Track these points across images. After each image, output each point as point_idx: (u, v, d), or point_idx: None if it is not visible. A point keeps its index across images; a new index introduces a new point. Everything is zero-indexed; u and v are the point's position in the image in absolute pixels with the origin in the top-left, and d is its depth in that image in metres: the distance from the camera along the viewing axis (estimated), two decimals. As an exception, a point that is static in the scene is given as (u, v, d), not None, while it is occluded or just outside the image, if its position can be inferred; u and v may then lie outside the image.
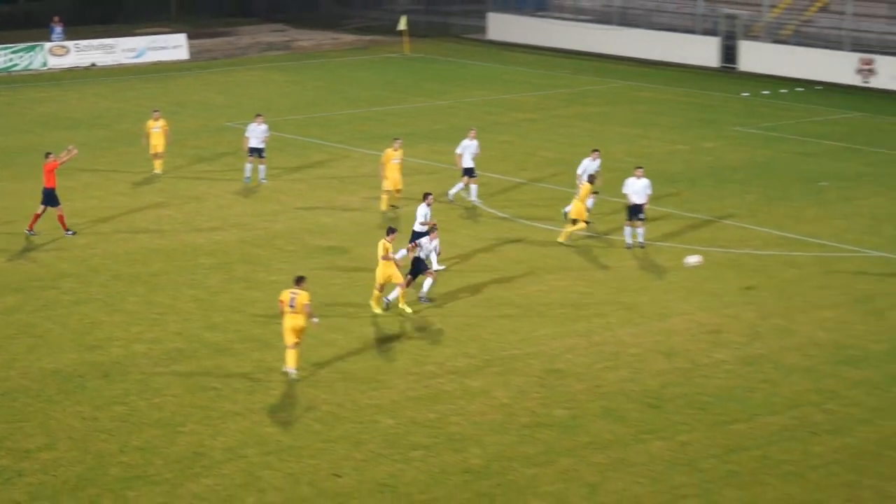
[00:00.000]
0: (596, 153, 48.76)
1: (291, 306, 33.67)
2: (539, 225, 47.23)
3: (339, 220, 48.18)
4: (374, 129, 63.26)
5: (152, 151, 53.80)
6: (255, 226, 47.23)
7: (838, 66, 77.65)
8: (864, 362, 35.21)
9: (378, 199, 49.27)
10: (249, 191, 51.62)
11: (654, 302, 39.65)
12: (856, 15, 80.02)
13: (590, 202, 46.20)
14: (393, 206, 48.98)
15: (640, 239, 44.74)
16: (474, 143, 50.06)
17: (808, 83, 76.70)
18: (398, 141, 49.60)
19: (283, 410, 32.15)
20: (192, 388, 33.16)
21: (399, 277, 38.06)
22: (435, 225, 40.78)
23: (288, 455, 29.75)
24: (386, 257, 37.69)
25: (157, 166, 53.87)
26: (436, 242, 40.16)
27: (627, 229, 44.94)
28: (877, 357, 35.57)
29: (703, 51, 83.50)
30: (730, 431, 31.08)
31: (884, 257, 43.95)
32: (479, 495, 28.08)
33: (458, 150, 50.08)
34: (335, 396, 32.86)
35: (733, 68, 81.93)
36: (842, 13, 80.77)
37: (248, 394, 32.91)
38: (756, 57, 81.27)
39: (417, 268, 39.37)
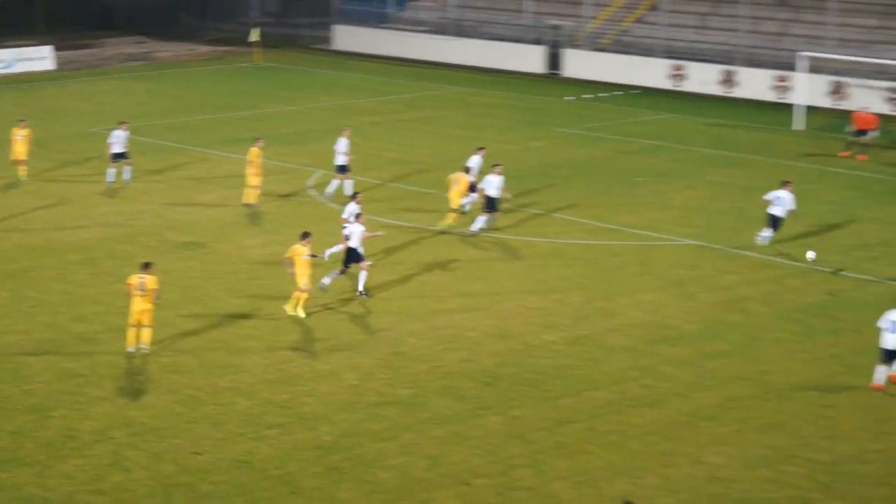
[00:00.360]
0: (481, 150, 49.16)
1: (140, 290, 33.66)
2: (384, 220, 47.20)
3: (197, 217, 47.84)
4: (230, 133, 62.82)
5: (14, 158, 52.89)
6: (119, 224, 46.73)
7: (652, 72, 78.44)
8: (679, 341, 35.68)
9: (244, 193, 49.00)
10: (113, 192, 51.03)
11: (489, 289, 39.86)
12: (668, 25, 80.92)
13: (473, 196, 46.44)
14: (249, 203, 48.78)
15: (481, 227, 45.11)
16: (345, 141, 50.26)
17: (625, 87, 77.37)
18: (260, 141, 49.66)
19: (148, 394, 31.92)
20: (61, 376, 32.80)
21: (306, 282, 37.07)
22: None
23: (152, 436, 29.55)
24: (288, 261, 36.85)
25: (21, 172, 52.91)
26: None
27: (482, 218, 45.28)
28: (690, 336, 36.07)
29: (530, 59, 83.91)
30: (558, 406, 31.36)
31: (694, 245, 44.53)
32: (330, 469, 28.09)
33: (336, 148, 50.16)
34: (195, 381, 32.70)
35: (558, 74, 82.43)
36: (655, 24, 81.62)
37: (113, 380, 32.65)
38: (578, 64, 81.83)
39: (351, 259, 39.15)
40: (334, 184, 50.35)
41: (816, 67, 69.83)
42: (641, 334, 36.18)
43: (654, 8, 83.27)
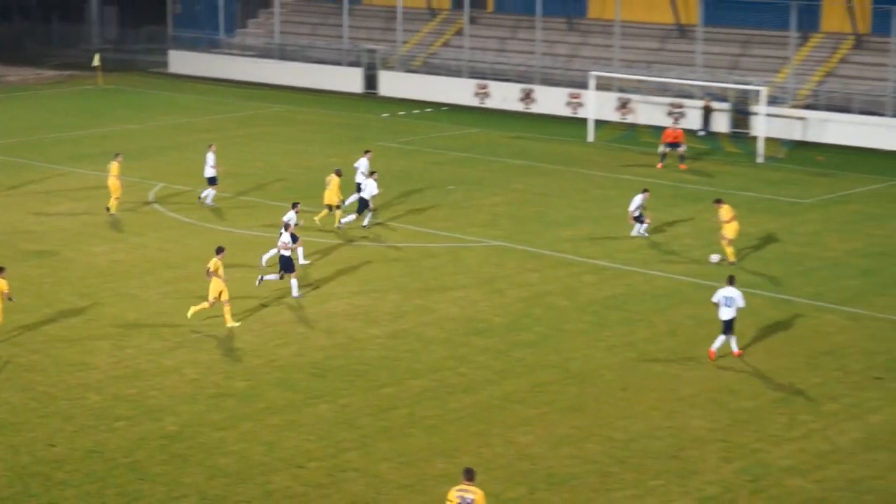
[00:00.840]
0: (369, 153, 50.10)
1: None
2: (219, 227, 46.67)
3: (48, 228, 46.80)
4: (77, 150, 61.61)
5: None
6: (-27, 235, 45.60)
7: (459, 91, 78.70)
8: (490, 332, 35.71)
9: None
10: (-32, 205, 49.74)
11: (317, 289, 39.52)
12: (472, 48, 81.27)
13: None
14: (108, 207, 48.35)
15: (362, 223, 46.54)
16: (212, 155, 50.18)
17: (436, 105, 77.49)
18: (119, 155, 49.43)
19: (4, 392, 31.07)
20: (-78, 377, 31.84)
21: (225, 294, 36.05)
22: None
23: (9, 430, 28.81)
24: (216, 274, 35.95)
25: None
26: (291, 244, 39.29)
27: (350, 217, 46.36)
28: (500, 328, 36.12)
29: (349, 79, 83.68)
30: (382, 394, 31.18)
31: (502, 246, 44.66)
32: (175, 456, 27.61)
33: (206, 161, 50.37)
34: (48, 378, 31.95)
35: (375, 94, 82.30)
36: (460, 47, 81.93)
37: (-28, 379, 31.78)
38: (393, 84, 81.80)
39: (286, 266, 38.64)
40: (207, 193, 50.36)
41: (605, 85, 70.67)
42: (456, 327, 36.14)
43: (459, 33, 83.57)
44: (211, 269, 36.12)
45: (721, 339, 33.63)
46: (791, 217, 49.17)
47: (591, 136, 65.94)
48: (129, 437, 28.61)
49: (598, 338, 35.29)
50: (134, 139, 65.35)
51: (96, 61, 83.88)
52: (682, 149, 58.83)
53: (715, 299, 33.83)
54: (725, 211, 42.76)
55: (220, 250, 36.66)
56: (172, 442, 28.34)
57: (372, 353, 33.98)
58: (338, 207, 46.86)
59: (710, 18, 73.64)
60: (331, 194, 46.53)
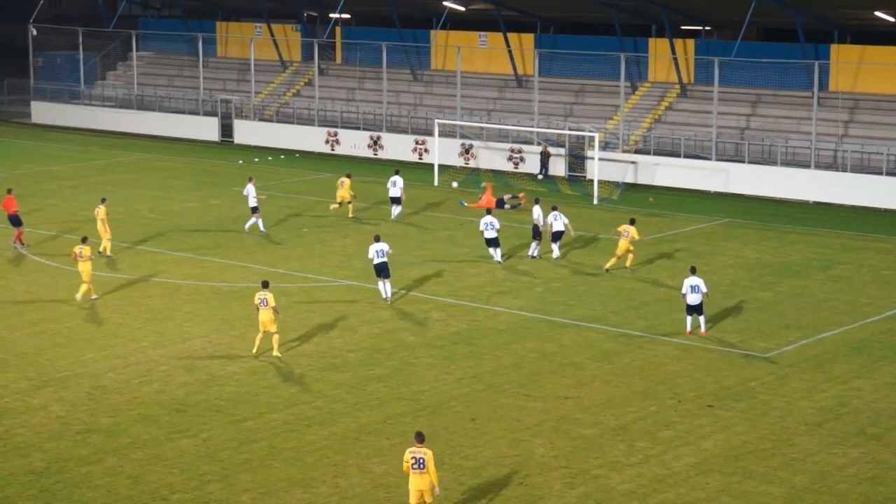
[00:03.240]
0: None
1: None
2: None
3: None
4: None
5: None
6: None
7: (311, 138, 78.56)
8: (344, 367, 35.54)
9: None
10: None
11: (178, 328, 39.02)
12: (322, 98, 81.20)
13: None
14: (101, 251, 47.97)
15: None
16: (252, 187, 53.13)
17: (289, 152, 77.26)
18: (105, 200, 49.41)
19: None
20: None
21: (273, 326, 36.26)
22: None
23: None
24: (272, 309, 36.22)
25: None
26: None
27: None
28: (353, 363, 35.96)
29: (205, 128, 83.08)
30: (242, 427, 30.82)
31: (353, 285, 44.52)
32: (42, 492, 26.98)
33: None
34: (-86, 419, 31.02)
35: (231, 141, 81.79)
36: (311, 97, 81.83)
37: None
38: (248, 132, 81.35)
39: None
40: (252, 221, 53.20)
41: (448, 132, 71.10)
42: (312, 363, 35.90)
43: (309, 83, 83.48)
44: (268, 302, 36.03)
45: (689, 319, 38.61)
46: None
47: (436, 181, 66.20)
48: (-5, 474, 27.92)
49: (446, 371, 35.31)
50: (-3, 186, 63.97)
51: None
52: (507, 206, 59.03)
53: (683, 290, 38.41)
54: (634, 232, 46.02)
55: (266, 284, 36.54)
56: (40, 477, 27.68)
57: (232, 389, 33.58)
58: (349, 203, 55.59)
59: (546, 69, 74.59)
60: (344, 193, 54.98)
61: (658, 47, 74.21)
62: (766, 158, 65.98)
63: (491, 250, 47.75)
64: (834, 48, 69.29)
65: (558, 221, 48.46)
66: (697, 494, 27.16)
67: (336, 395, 33.20)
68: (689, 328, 38.78)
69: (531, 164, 69.50)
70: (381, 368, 35.50)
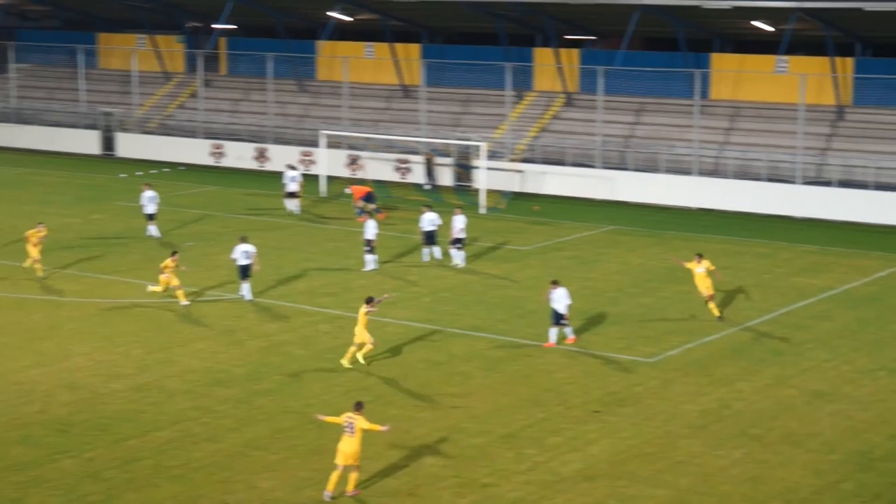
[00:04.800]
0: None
1: None
2: (-41, 289, 45.34)
3: None
4: None
5: None
6: None
7: (195, 150, 78.05)
8: (230, 382, 35.33)
9: None
10: None
11: (59, 346, 38.51)
12: (206, 110, 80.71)
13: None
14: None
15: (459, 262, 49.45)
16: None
17: (173, 165, 76.70)
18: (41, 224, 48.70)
19: None
20: None
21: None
22: None
23: None
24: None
25: None
26: None
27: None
28: (240, 378, 35.77)
29: (86, 141, 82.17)
30: (127, 446, 30.50)
31: (240, 299, 44.24)
32: (-81, 518, 26.54)
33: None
34: None
35: (113, 155, 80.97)
36: (195, 109, 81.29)
37: None
38: (130, 145, 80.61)
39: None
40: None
41: (335, 143, 71.06)
42: (198, 378, 35.65)
43: (194, 95, 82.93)
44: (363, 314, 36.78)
45: (554, 331, 38.61)
46: (511, 264, 50.15)
47: (323, 192, 66.10)
48: None
49: (334, 384, 35.26)
50: None
51: None
52: (362, 204, 59.13)
53: (549, 295, 38.57)
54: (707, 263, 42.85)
55: (370, 300, 36.86)
56: (-85, 504, 27.23)
57: (116, 407, 33.22)
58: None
59: (432, 79, 74.84)
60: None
61: (543, 57, 74.84)
62: (650, 166, 66.82)
63: (434, 248, 50.03)
64: (714, 57, 70.43)
65: (429, 223, 49.47)
66: (584, 500, 27.42)
67: (223, 411, 33.00)
68: (552, 340, 38.75)
69: (418, 174, 69.65)
70: (269, 382, 35.36)
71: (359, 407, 27.76)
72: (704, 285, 41.97)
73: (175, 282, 43.20)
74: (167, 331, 40.27)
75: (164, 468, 29.10)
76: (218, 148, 77.45)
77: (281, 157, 74.31)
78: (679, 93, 69.45)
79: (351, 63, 77.21)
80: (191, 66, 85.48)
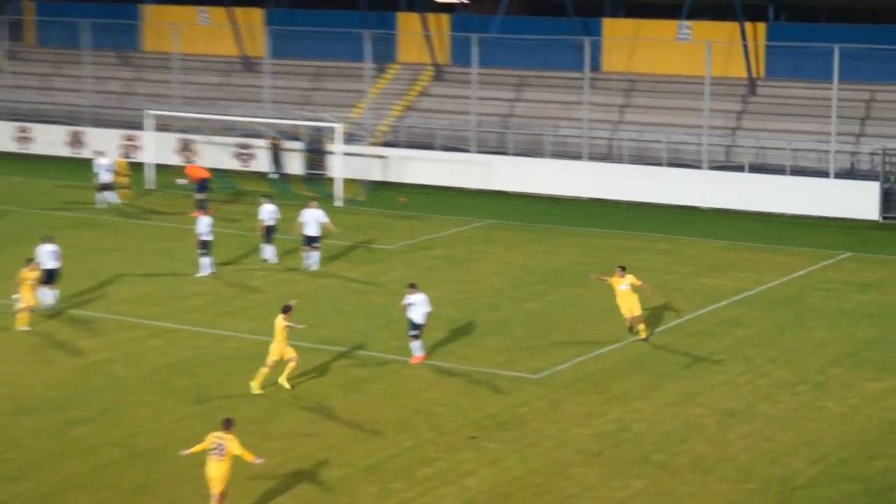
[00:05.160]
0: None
1: None
2: None
3: None
4: None
5: None
6: None
7: (-3, 135, 76.91)
8: (41, 409, 34.69)
9: None
10: None
11: None
12: (11, 87, 79.51)
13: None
14: None
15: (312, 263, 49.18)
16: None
17: (-32, 152, 75.50)
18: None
19: None
20: None
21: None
22: None
23: None
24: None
25: None
26: None
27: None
28: (52, 404, 35.14)
29: None
30: (-85, 488, 29.82)
31: (42, 312, 43.55)
32: None
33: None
34: None
35: None
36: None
37: None
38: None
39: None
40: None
41: (164, 126, 70.29)
42: (2, 407, 34.94)
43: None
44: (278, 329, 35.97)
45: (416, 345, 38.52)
46: (373, 265, 50.03)
47: (151, 183, 65.37)
48: None
49: (166, 408, 34.79)
50: None
51: None
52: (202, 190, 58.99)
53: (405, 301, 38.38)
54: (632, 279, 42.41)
55: (286, 309, 36.19)
56: None
57: None
58: None
59: (278, 51, 74.42)
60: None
61: (408, 23, 74.83)
62: (533, 150, 67.12)
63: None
64: (606, 22, 71.06)
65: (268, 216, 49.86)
66: (461, 542, 27.36)
67: (31, 444, 32.36)
68: (417, 353, 38.66)
69: (262, 161, 69.23)
70: (88, 409, 34.80)
71: (228, 425, 27.72)
72: (626, 305, 40.79)
73: None
74: (-36, 349, 39.49)
75: (-41, 514, 28.49)
76: (24, 131, 76.26)
77: (100, 142, 73.33)
78: (566, 64, 69.81)
79: (182, 31, 76.50)
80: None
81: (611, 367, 38.46)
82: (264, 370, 36.04)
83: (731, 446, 32.52)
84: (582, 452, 32.03)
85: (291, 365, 36.32)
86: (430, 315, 38.53)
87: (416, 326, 38.42)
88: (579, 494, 29.59)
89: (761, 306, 45.31)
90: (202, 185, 58.74)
